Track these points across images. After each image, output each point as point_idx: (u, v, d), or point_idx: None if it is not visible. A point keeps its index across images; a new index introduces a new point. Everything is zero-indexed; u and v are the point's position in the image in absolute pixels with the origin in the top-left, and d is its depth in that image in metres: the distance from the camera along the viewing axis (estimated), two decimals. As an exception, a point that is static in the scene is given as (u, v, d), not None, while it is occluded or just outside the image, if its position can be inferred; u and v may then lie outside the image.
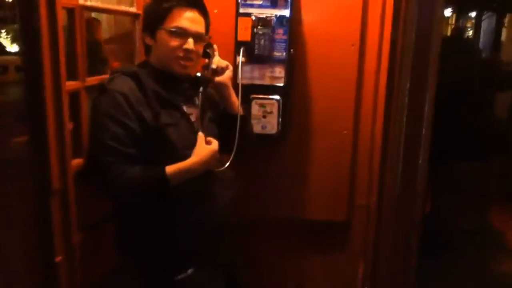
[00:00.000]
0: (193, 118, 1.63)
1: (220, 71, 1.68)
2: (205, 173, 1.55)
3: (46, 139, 1.34)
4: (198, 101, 1.60)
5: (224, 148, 1.67)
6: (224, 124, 1.73)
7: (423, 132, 1.18)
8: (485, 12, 7.57)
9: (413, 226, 1.27)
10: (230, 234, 1.74)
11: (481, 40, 8.00)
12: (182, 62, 1.55)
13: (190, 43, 1.54)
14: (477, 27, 8.07)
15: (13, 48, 13.54)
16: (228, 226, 1.69)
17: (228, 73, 1.70)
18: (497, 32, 7.75)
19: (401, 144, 1.17)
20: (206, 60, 1.68)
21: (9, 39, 14.65)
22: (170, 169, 1.46)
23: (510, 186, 4.06)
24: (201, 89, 1.60)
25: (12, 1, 12.48)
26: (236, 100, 1.74)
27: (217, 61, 1.68)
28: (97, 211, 1.70)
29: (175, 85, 1.60)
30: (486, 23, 8.05)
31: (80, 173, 1.60)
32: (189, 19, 1.54)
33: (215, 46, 1.70)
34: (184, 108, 1.61)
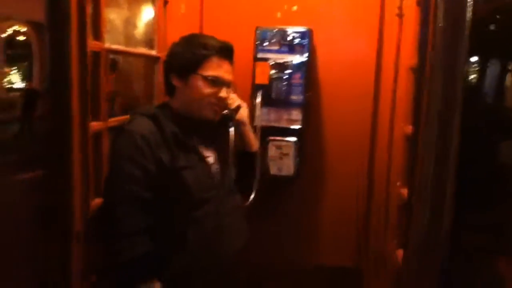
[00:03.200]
0: (210, 161, 1.63)
1: (237, 109, 1.70)
2: (215, 220, 1.55)
3: (71, 181, 1.33)
4: (228, 139, 1.63)
5: (240, 188, 1.67)
6: (241, 162, 1.73)
7: (449, 179, 1.18)
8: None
9: (437, 275, 1.25)
10: (237, 282, 1.71)
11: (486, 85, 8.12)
12: (215, 108, 1.59)
13: (224, 92, 1.58)
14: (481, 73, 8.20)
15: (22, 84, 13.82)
16: (234, 275, 1.66)
17: (244, 111, 1.72)
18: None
19: (427, 191, 1.17)
20: None
21: (19, 76, 14.96)
22: None
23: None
24: (230, 125, 1.63)
25: (24, 40, 12.82)
26: (253, 138, 1.76)
27: (235, 100, 1.70)
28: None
29: (193, 128, 1.62)
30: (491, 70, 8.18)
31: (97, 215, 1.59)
32: (225, 69, 1.59)
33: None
34: (202, 150, 1.62)
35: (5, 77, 13.73)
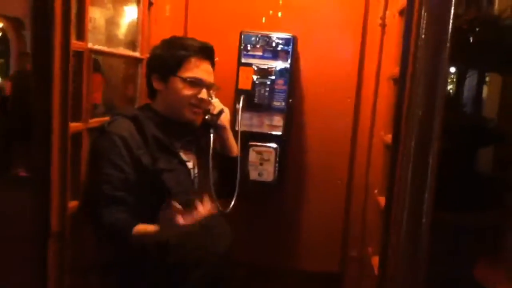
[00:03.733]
0: (190, 165, 1.63)
1: (219, 114, 1.71)
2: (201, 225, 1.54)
3: (48, 181, 1.31)
4: (209, 144, 1.63)
5: (221, 192, 1.67)
6: (221, 166, 1.73)
7: (428, 186, 1.20)
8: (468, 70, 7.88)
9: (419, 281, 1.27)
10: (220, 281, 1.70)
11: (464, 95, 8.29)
12: (195, 110, 1.58)
13: (204, 93, 1.58)
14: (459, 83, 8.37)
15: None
16: (220, 278, 1.66)
17: (226, 116, 1.72)
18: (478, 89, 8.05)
19: (407, 197, 1.19)
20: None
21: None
22: (139, 228, 1.42)
23: (494, 239, 4.10)
24: (211, 131, 1.64)
25: (1, 36, 12.55)
26: (234, 143, 1.76)
27: (217, 105, 1.70)
28: (88, 255, 1.65)
29: (175, 131, 1.61)
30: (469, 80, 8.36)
31: (75, 215, 1.57)
32: (204, 70, 1.58)
33: (212, 92, 1.74)
34: (182, 154, 1.61)
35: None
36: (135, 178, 1.45)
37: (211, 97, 1.69)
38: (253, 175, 2.12)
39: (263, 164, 2.17)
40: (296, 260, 2.36)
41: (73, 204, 1.54)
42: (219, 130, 1.71)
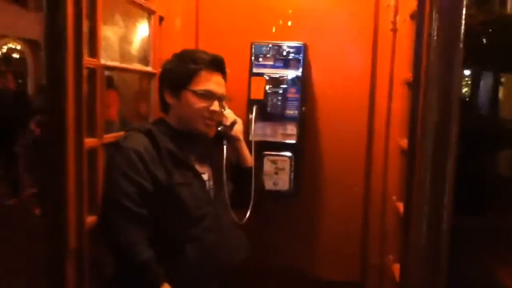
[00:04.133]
0: (205, 177, 1.63)
1: (232, 125, 1.70)
2: (213, 236, 1.54)
3: (65, 197, 1.32)
4: (223, 156, 1.62)
5: (236, 203, 1.66)
6: (236, 178, 1.73)
7: (447, 190, 1.18)
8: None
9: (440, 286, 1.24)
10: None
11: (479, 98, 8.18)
12: (208, 122, 1.58)
13: (216, 106, 1.57)
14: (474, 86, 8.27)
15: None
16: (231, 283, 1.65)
17: (239, 127, 1.72)
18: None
19: (426, 203, 1.17)
20: None
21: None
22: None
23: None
24: (225, 143, 1.62)
25: (19, 57, 12.83)
26: (248, 153, 1.75)
27: (230, 116, 1.70)
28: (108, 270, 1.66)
29: (189, 144, 1.61)
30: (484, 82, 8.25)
31: (93, 231, 1.57)
32: (215, 82, 1.58)
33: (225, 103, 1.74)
34: (197, 166, 1.61)
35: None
36: (152, 192, 1.45)
37: (224, 109, 1.69)
38: (269, 184, 2.11)
39: (278, 173, 2.16)
40: (316, 269, 2.33)
41: (90, 219, 1.55)
42: (233, 141, 1.71)
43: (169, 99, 1.60)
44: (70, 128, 1.33)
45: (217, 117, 1.62)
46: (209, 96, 1.56)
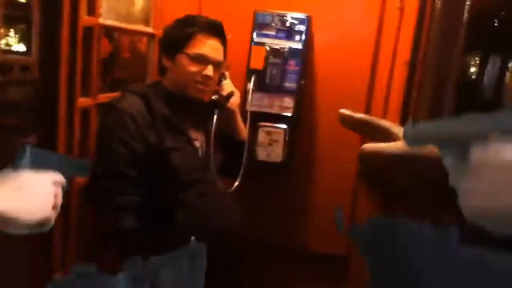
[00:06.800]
0: (198, 144, 1.63)
1: (228, 96, 1.69)
2: (202, 202, 1.55)
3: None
4: (212, 124, 1.62)
5: (227, 173, 1.67)
6: (228, 149, 1.73)
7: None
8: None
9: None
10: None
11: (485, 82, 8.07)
12: (200, 87, 1.57)
13: (209, 70, 1.55)
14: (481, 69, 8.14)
15: (20, 47, 13.59)
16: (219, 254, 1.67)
17: (236, 99, 1.71)
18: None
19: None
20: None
21: (16, 38, 14.72)
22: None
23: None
24: (216, 112, 1.61)
25: (25, 1, 12.63)
26: (242, 127, 1.75)
27: (228, 87, 1.69)
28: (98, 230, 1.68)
29: (185, 109, 1.61)
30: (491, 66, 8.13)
31: (84, 190, 1.59)
32: (211, 46, 1.56)
33: (226, 73, 1.72)
34: (191, 132, 1.61)
35: (2, 39, 13.54)
36: (143, 155, 1.46)
37: (224, 78, 1.67)
38: (262, 155, 2.12)
39: (272, 144, 2.16)
40: (304, 241, 2.36)
41: (79, 180, 1.56)
42: (228, 113, 1.70)
43: (166, 62, 1.60)
44: (62, 86, 1.32)
45: (212, 83, 1.60)
46: (202, 60, 1.55)
